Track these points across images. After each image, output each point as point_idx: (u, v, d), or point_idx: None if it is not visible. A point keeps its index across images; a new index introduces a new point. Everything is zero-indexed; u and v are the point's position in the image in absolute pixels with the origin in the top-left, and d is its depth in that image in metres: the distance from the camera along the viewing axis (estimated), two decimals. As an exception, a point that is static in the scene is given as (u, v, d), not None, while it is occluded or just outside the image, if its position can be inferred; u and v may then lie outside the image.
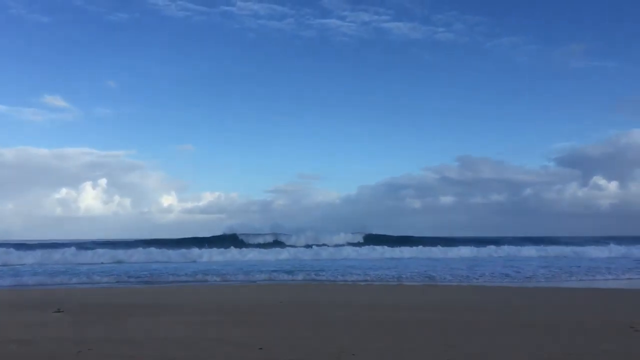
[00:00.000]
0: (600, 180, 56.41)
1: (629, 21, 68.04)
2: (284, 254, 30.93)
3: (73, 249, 30.43)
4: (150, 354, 6.61)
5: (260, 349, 6.99)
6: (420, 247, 35.78)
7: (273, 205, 68.00)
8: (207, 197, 68.95)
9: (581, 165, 61.15)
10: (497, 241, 40.12)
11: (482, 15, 70.13)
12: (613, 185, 56.32)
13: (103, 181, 64.05)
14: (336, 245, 38.16)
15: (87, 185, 62.87)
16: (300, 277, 19.76)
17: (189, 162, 76.00)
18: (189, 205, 68.20)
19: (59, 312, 10.45)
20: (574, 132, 75.27)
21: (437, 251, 33.87)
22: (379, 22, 66.31)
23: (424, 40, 68.29)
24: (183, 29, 66.95)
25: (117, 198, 64.49)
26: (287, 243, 41.48)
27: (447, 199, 65.12)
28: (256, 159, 76.39)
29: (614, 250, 32.67)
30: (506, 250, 34.56)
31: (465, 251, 33.37)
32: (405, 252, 33.40)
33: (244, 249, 33.83)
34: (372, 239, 42.80)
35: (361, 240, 43.33)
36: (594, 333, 8.33)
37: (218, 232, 45.32)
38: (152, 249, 31.95)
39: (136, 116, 72.80)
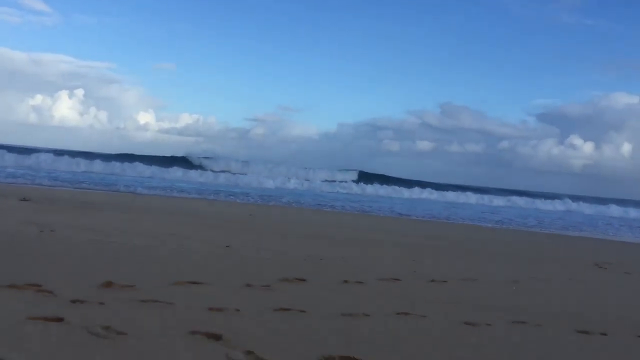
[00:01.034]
0: (577, 140, 57.01)
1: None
2: (268, 184, 30.63)
3: (51, 155, 29.88)
4: (112, 240, 6.47)
5: (227, 246, 6.92)
6: (395, 187, 35.86)
7: (251, 133, 67.41)
8: (185, 119, 68.01)
9: (560, 123, 61.77)
10: (470, 190, 40.57)
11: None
12: (588, 146, 56.96)
13: (80, 92, 62.57)
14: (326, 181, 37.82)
15: (63, 94, 61.42)
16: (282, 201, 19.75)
17: (169, 81, 74.59)
18: (166, 125, 67.32)
19: (25, 200, 10.23)
20: (557, 89, 75.53)
21: (414, 192, 34.04)
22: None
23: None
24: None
25: (93, 110, 63.27)
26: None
27: (424, 144, 65.37)
28: (238, 85, 75.27)
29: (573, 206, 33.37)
30: (479, 198, 34.89)
31: (438, 195, 33.65)
32: (380, 190, 33.49)
33: (221, 173, 33.47)
34: (361, 177, 42.69)
35: (346, 178, 43.08)
36: (564, 265, 8.45)
37: (197, 154, 44.77)
38: (127, 164, 31.52)
39: (119, 28, 70.63)
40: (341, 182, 36.92)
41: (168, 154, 43.51)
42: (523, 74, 73.74)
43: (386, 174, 45.03)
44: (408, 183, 40.45)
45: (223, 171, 35.90)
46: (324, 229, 11.01)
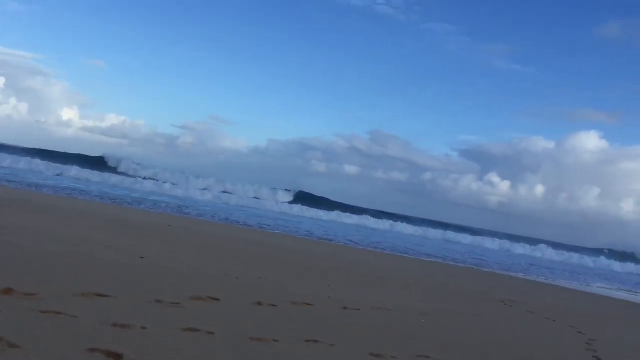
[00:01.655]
0: (495, 178, 59.65)
1: (554, 35, 71.36)
2: (194, 195, 29.92)
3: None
4: (17, 242, 6.14)
5: (142, 257, 6.72)
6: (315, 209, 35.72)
7: (179, 141, 66.05)
8: (112, 119, 65.78)
9: (481, 160, 64.47)
10: (389, 217, 41.39)
11: (423, -3, 70.86)
12: (505, 185, 59.72)
13: (1, 80, 59.14)
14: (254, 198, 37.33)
15: (-18, 81, 57.78)
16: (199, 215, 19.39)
17: (98, 79, 72.09)
18: (91, 124, 64.86)
19: None
20: (482, 128, 79.12)
21: (343, 216, 34.13)
22: (323, -20, 65.21)
23: (364, 9, 68.24)
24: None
25: (13, 101, 60.00)
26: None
27: (351, 168, 66.34)
28: (170, 90, 73.77)
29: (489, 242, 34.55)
30: (403, 227, 35.13)
31: (359, 220, 33.81)
32: (315, 212, 33.25)
33: (143, 179, 32.46)
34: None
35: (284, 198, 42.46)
36: (473, 300, 8.75)
37: (119, 157, 43.31)
38: (38, 160, 30.05)
39: (50, 19, 67.77)
40: (281, 202, 36.56)
41: (90, 153, 41.93)
42: (452, 110, 76.94)
43: (325, 197, 45.46)
44: (340, 207, 40.83)
45: (145, 178, 34.84)
46: (245, 246, 10.92)
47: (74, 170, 28.64)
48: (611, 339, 7.25)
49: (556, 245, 43.62)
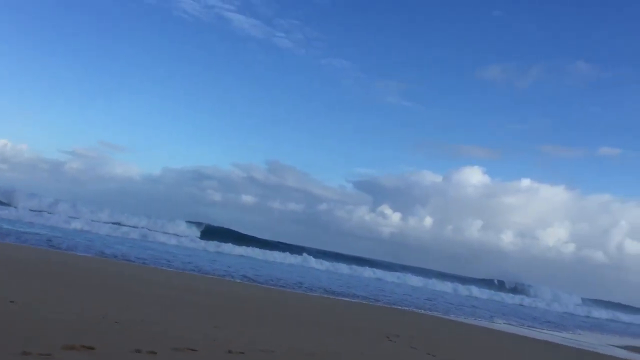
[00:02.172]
0: (387, 209, 61.74)
1: (441, 74, 76.00)
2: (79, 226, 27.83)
3: None
4: None
5: (12, 301, 6.27)
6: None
7: (65, 167, 62.54)
8: (-10, 142, 60.97)
9: (374, 192, 66.56)
10: (287, 248, 41.38)
11: (322, 32, 73.10)
12: (396, 216, 61.96)
13: None
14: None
15: None
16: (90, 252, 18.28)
17: (-24, 102, 66.71)
18: (-35, 147, 59.75)
19: None
20: (375, 161, 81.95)
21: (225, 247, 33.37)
22: (223, 9, 65.50)
23: (262, 40, 69.09)
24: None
25: None
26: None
27: (248, 198, 66.02)
28: (57, 113, 69.91)
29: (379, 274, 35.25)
30: (298, 259, 34.68)
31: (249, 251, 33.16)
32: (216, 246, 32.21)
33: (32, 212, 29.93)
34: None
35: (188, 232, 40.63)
36: (359, 336, 8.92)
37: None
38: None
39: None
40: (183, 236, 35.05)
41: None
42: (347, 143, 79.18)
43: (232, 229, 44.43)
44: (245, 239, 40.13)
45: (22, 207, 32.19)
46: (131, 285, 10.49)
47: None
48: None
49: (447, 276, 45.81)
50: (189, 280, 13.55)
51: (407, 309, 17.56)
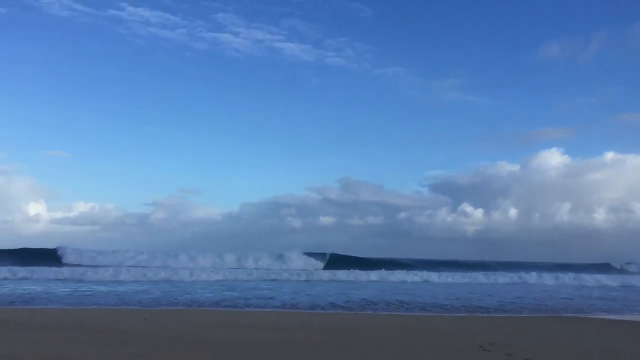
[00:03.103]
0: (467, 208, 60.10)
1: (499, 63, 73.78)
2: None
3: None
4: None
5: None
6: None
7: (151, 218, 65.20)
8: (80, 207, 64.60)
9: (451, 192, 64.86)
10: (374, 263, 41.19)
11: (371, 44, 72.72)
12: (478, 213, 60.22)
13: (-40, 184, 58.05)
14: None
15: (-57, 189, 56.65)
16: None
17: (61, 169, 70.86)
18: (59, 215, 63.54)
19: None
20: (447, 161, 79.64)
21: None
22: (272, 41, 66.66)
23: (315, 63, 69.52)
24: (66, 28, 63.15)
25: (-24, 204, 58.72)
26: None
27: (327, 219, 66.19)
28: (135, 169, 73.00)
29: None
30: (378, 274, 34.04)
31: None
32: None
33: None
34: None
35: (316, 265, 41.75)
36: (446, 354, 8.67)
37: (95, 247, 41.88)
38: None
39: (5, 116, 67.12)
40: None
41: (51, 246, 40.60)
42: (415, 148, 77.69)
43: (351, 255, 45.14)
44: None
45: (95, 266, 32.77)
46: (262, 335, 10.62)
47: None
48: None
49: (558, 267, 43.97)
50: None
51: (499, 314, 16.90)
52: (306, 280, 28.71)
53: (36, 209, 60.33)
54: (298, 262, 41.05)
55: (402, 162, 76.41)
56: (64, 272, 27.14)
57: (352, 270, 33.32)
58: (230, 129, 74.86)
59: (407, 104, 74.93)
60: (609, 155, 59.11)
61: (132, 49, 65.72)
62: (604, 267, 47.43)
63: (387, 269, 35.60)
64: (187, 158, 74.33)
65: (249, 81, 73.17)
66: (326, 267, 40.20)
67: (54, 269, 27.91)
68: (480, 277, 33.14)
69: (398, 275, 32.60)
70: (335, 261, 41.81)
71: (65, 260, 37.27)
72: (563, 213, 57.79)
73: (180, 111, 73.09)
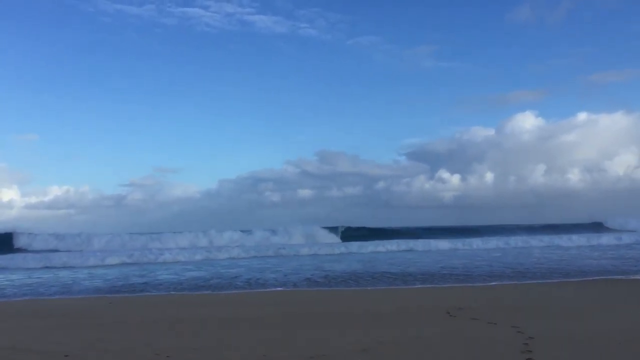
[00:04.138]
0: (444, 174, 60.47)
1: (470, 28, 73.55)
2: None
3: None
4: None
5: (67, 355, 6.47)
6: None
7: (128, 199, 64.59)
8: (55, 191, 63.71)
9: (428, 159, 65.09)
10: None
11: (344, 13, 71.98)
12: (455, 179, 60.64)
13: None
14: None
15: None
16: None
17: (33, 153, 69.61)
18: (33, 200, 62.66)
19: None
20: (423, 129, 79.84)
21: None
22: (243, 14, 65.61)
23: (288, 35, 68.65)
24: (30, 8, 61.47)
25: (-56, 193, 57.57)
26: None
27: (305, 192, 66.23)
28: (109, 150, 71.80)
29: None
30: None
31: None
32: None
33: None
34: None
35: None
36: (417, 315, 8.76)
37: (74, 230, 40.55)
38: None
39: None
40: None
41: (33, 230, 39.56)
42: (391, 117, 77.57)
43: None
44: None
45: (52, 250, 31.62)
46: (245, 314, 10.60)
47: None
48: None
49: (547, 228, 44.34)
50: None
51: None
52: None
53: (9, 194, 59.37)
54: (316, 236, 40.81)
55: (379, 131, 76.38)
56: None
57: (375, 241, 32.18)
58: (205, 106, 73.88)
59: (381, 72, 74.55)
60: (582, 116, 59.55)
61: (99, 27, 64.21)
62: (595, 227, 47.58)
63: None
64: (162, 137, 73.42)
65: (222, 56, 72.07)
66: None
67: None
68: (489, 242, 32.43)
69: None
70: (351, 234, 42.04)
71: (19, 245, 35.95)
72: (538, 175, 58.41)
73: (153, 89, 71.88)
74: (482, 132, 64.28)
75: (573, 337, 7.14)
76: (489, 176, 59.63)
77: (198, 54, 71.40)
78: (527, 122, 60.12)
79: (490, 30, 72.54)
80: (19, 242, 35.53)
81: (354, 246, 30.08)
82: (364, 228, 45.67)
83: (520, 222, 51.65)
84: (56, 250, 31.75)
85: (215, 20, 64.44)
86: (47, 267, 22.17)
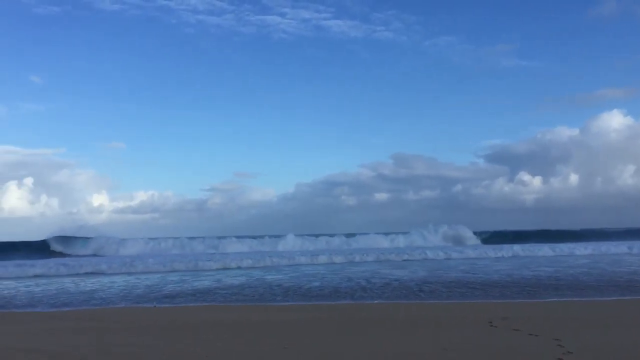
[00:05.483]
0: (525, 176, 58.06)
1: (552, 25, 70.23)
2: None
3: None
4: None
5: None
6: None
7: (208, 203, 66.82)
8: (140, 196, 66.95)
9: (508, 161, 62.84)
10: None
11: (420, 15, 70.97)
12: (537, 181, 58.09)
13: (29, 180, 61.10)
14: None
15: (12, 185, 59.84)
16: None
17: (120, 161, 73.42)
18: (121, 204, 66.04)
19: None
20: (503, 130, 77.13)
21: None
22: (319, 19, 66.13)
23: (363, 39, 68.51)
24: (116, 23, 64.83)
25: (44, 198, 61.74)
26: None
27: (381, 196, 65.77)
28: (191, 157, 74.77)
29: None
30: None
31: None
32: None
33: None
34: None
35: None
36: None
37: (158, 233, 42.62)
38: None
39: (64, 113, 69.81)
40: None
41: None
42: (469, 118, 75.52)
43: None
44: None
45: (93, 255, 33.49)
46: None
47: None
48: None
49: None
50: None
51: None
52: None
53: (99, 199, 62.90)
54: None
55: (456, 133, 74.66)
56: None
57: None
58: (282, 111, 75.22)
59: (459, 73, 72.91)
60: (675, 114, 55.41)
61: (181, 38, 66.83)
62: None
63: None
64: (242, 142, 75.44)
65: (298, 62, 73.06)
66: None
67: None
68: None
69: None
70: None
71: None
72: (627, 176, 54.92)
73: (233, 96, 73.92)
74: (566, 132, 61.31)
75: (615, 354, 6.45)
76: (574, 178, 56.74)
77: (275, 60, 72.79)
78: (615, 121, 56.69)
79: (572, 25, 69.20)
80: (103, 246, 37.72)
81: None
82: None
83: (607, 225, 48.87)
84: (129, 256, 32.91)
85: (292, 26, 65.42)
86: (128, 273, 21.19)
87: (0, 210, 58.00)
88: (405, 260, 25.52)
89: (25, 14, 62.48)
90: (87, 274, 20.67)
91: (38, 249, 36.25)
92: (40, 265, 22.32)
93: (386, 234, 40.27)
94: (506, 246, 30.48)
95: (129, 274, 20.47)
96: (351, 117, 76.27)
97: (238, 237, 39.60)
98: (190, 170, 76.12)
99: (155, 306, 11.79)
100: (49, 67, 66.66)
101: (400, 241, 39.21)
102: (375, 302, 11.94)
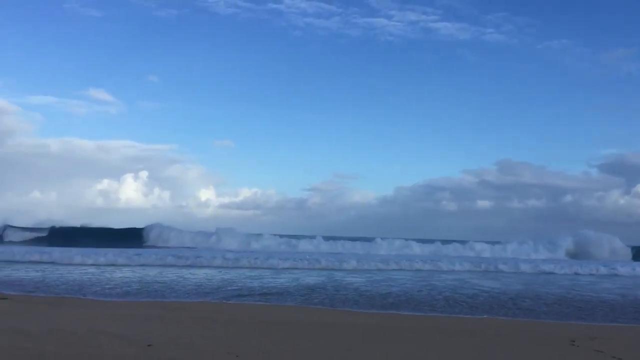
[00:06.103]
0: (645, 189, 53.64)
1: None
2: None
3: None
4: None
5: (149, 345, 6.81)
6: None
7: (309, 203, 68.01)
8: (245, 193, 69.53)
9: (625, 172, 58.40)
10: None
11: (533, 17, 67.91)
12: (657, 195, 53.52)
13: (144, 174, 65.27)
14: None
15: (129, 177, 64.21)
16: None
17: (227, 158, 76.79)
18: (226, 200, 68.92)
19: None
20: (619, 139, 71.92)
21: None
22: (427, 21, 65.16)
23: (472, 41, 66.61)
24: (230, 26, 67.70)
25: (157, 191, 65.65)
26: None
27: (484, 203, 63.52)
28: (294, 157, 76.72)
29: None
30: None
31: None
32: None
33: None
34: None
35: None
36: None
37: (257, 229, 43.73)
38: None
39: (178, 111, 74.28)
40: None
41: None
42: (582, 126, 71.17)
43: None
44: None
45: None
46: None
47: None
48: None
49: None
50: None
51: None
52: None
53: (207, 194, 65.96)
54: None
55: (568, 141, 70.76)
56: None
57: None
58: (385, 114, 74.96)
59: (573, 78, 69.02)
60: None
61: (289, 40, 68.51)
62: None
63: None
64: (343, 144, 76.18)
65: (404, 65, 72.47)
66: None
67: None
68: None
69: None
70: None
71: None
72: None
73: (336, 99, 74.74)
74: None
75: None
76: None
77: (380, 63, 72.71)
78: None
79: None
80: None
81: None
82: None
83: None
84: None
85: (398, 29, 65.00)
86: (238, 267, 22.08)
87: (118, 200, 62.43)
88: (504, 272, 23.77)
89: (146, 16, 66.97)
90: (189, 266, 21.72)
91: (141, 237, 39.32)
92: (145, 255, 24.03)
93: (492, 243, 38.17)
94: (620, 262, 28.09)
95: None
96: (456, 122, 74.54)
97: (334, 238, 39.54)
98: (293, 170, 78.07)
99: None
100: (166, 67, 71.08)
101: (508, 251, 37.08)
102: (456, 315, 11.47)
